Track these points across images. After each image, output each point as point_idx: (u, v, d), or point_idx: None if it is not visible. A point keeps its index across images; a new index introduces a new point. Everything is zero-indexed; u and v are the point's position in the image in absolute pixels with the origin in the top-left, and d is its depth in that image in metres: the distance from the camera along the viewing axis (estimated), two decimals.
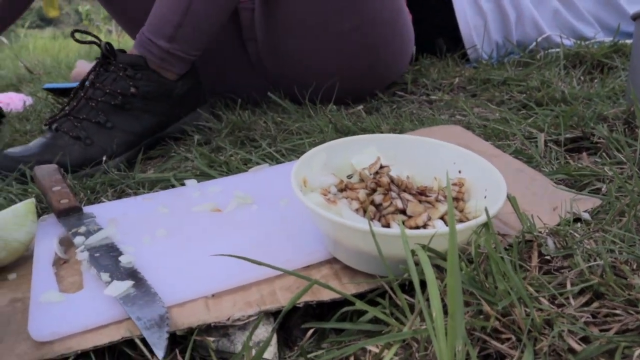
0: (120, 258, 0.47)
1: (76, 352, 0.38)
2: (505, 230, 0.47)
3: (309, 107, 0.91)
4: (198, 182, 0.66)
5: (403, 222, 0.43)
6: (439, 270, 0.38)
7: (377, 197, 0.45)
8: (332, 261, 0.46)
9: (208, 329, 0.40)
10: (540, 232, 0.44)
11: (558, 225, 0.46)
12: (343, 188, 0.48)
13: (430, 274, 0.32)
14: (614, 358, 0.31)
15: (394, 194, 0.46)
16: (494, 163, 0.49)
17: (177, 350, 0.39)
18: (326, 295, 0.41)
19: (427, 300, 0.32)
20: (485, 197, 0.46)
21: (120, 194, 0.72)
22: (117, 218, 0.56)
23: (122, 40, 2.86)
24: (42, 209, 0.69)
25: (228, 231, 0.52)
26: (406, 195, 0.46)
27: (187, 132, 0.90)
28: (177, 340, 0.40)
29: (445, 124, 0.80)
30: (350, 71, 0.95)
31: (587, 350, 0.32)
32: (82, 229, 0.53)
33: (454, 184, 0.49)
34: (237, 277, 0.44)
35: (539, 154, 0.66)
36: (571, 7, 1.30)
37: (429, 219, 0.44)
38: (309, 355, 0.37)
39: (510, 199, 0.45)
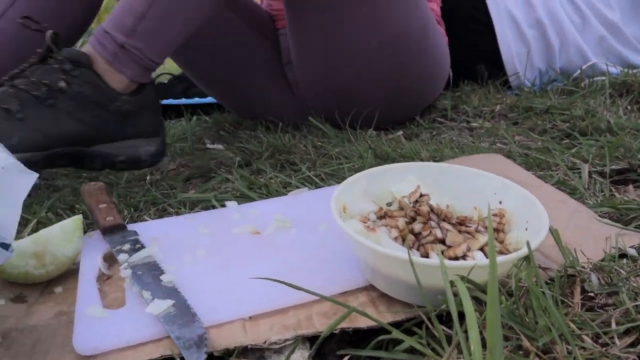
0: (161, 277, 0.48)
1: None
2: (546, 264, 0.46)
3: (349, 132, 0.92)
4: (238, 204, 0.67)
5: (442, 252, 0.43)
6: (478, 302, 0.38)
7: (417, 226, 0.45)
8: (370, 288, 0.46)
9: (245, 351, 0.41)
10: (583, 267, 0.43)
11: (602, 260, 0.45)
12: (382, 215, 0.48)
13: (469, 306, 0.32)
14: None
15: (433, 223, 0.45)
16: (535, 194, 0.49)
17: None
18: (363, 323, 0.41)
19: (465, 332, 0.32)
20: (526, 229, 0.46)
21: (162, 213, 0.74)
22: (159, 237, 0.58)
23: (167, 66, 2.92)
24: (88, 225, 0.71)
25: (267, 254, 0.52)
26: (446, 225, 0.46)
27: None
28: None
29: (486, 152, 0.79)
30: (382, 95, 0.95)
31: None
32: (126, 247, 0.54)
33: (495, 215, 0.49)
34: (274, 300, 0.44)
35: (582, 185, 0.64)
36: (617, 33, 1.27)
37: (469, 249, 0.43)
38: None
39: (553, 231, 0.45)
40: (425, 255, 0.44)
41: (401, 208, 0.49)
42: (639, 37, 1.29)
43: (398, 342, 0.40)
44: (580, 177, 0.67)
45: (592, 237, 0.51)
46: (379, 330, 0.41)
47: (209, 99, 1.39)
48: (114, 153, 0.77)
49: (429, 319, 0.39)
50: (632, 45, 1.28)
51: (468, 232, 0.45)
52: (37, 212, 0.73)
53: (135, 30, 0.73)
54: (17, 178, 0.44)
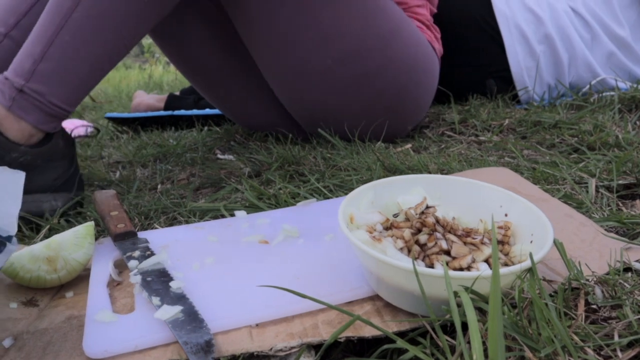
0: (170, 283, 0.49)
1: None
2: (551, 276, 0.47)
3: (358, 144, 0.93)
4: (247, 213, 0.68)
5: (447, 263, 0.44)
6: (482, 313, 0.38)
7: (422, 237, 0.46)
8: (375, 298, 0.47)
9: (251, 357, 0.41)
10: (587, 280, 0.43)
11: (607, 274, 0.45)
12: (389, 226, 0.49)
13: (472, 316, 0.33)
14: None
15: (439, 235, 0.46)
16: (542, 207, 0.49)
17: None
18: (367, 332, 0.42)
19: (469, 343, 0.32)
20: (531, 241, 0.46)
21: (172, 221, 0.75)
22: (169, 244, 0.59)
23: (180, 77, 2.97)
24: (99, 232, 0.72)
25: (274, 263, 0.53)
26: (451, 237, 0.46)
27: None
28: None
29: (494, 166, 0.80)
30: (359, 107, 0.94)
31: None
32: (136, 254, 0.55)
33: (500, 227, 0.49)
34: (281, 308, 0.45)
35: (589, 199, 0.65)
36: (627, 49, 1.28)
37: (473, 261, 0.44)
38: None
39: (557, 244, 0.45)
40: (431, 266, 0.44)
41: (407, 219, 0.49)
42: None
43: (402, 351, 0.40)
44: (587, 191, 0.67)
45: (598, 250, 0.51)
46: (384, 339, 0.41)
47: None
48: None
49: (433, 329, 0.39)
50: None
51: (473, 244, 0.46)
52: (49, 218, 0.74)
53: (34, 72, 0.68)
54: (5, 175, 0.45)
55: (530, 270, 0.39)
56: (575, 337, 0.37)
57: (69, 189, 0.77)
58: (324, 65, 0.88)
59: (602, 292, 0.42)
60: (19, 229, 0.72)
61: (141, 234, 0.62)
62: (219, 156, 1.06)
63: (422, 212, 0.49)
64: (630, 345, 0.37)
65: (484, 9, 1.28)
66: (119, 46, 0.72)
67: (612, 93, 1.15)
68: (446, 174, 0.76)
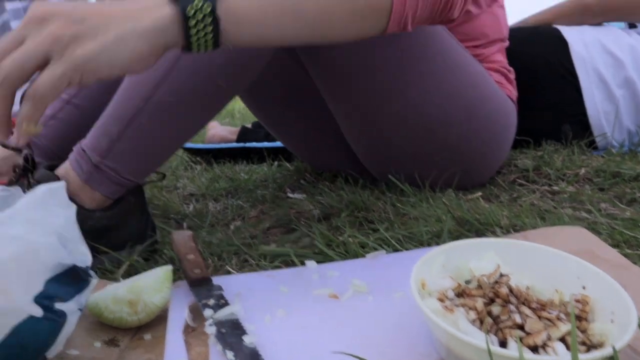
0: (244, 337, 0.51)
1: None
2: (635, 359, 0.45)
3: (427, 191, 0.93)
4: (317, 261, 0.69)
5: (521, 339, 0.43)
6: None
7: (495, 309, 0.45)
8: None
9: None
10: None
11: None
12: (460, 293, 0.49)
13: None
14: None
15: (512, 307, 0.45)
16: (621, 276, 0.48)
17: None
18: None
19: None
20: (612, 320, 0.45)
21: (243, 263, 0.77)
22: (242, 293, 0.61)
23: None
24: (175, 270, 0.75)
25: (343, 320, 0.54)
26: (525, 310, 0.45)
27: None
28: None
29: (569, 222, 0.78)
30: (435, 163, 0.94)
31: None
32: (211, 302, 0.58)
33: (577, 301, 0.48)
34: None
35: None
36: None
37: (549, 338, 0.43)
38: None
39: None
40: (504, 341, 0.44)
41: (480, 286, 0.49)
42: None
43: None
44: None
45: None
46: None
47: None
48: None
49: None
50: None
51: (549, 319, 0.45)
52: (130, 254, 0.78)
53: (111, 151, 0.72)
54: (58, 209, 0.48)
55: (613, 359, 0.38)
56: None
57: (142, 238, 0.82)
58: (407, 130, 0.89)
59: None
60: (102, 264, 0.77)
61: (215, 279, 0.64)
62: (289, 195, 1.09)
63: (496, 282, 0.48)
64: None
65: (560, 51, 1.26)
66: (195, 125, 0.78)
67: None
68: (518, 230, 0.75)
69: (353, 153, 1.04)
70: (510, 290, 0.47)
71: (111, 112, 0.74)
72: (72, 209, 0.48)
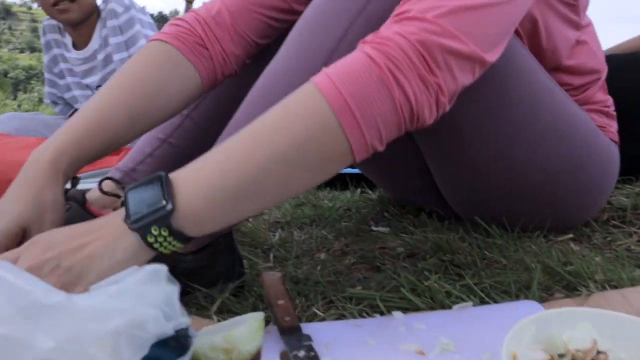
0: None
1: None
2: None
3: (515, 235, 0.91)
4: (403, 308, 0.70)
5: None
6: None
7: None
8: None
9: None
10: None
11: None
12: None
13: None
14: None
15: None
16: None
17: None
18: None
19: None
20: None
21: (329, 304, 0.79)
22: (329, 342, 0.63)
23: None
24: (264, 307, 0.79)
25: None
26: None
27: None
28: None
29: None
30: (530, 211, 0.92)
31: None
32: (302, 353, 0.60)
33: None
34: None
35: None
36: None
37: None
38: None
39: None
40: None
41: None
42: None
43: None
44: None
45: None
46: None
47: None
48: None
49: None
50: None
51: None
52: (221, 291, 0.82)
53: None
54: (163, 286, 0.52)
55: None
56: None
57: (231, 275, 0.86)
58: (504, 180, 0.89)
59: None
60: (196, 299, 0.81)
61: (304, 327, 0.66)
62: (373, 227, 1.10)
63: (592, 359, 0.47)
64: None
65: None
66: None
67: None
68: (615, 286, 0.72)
69: (437, 189, 1.03)
70: None
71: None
72: (175, 286, 0.53)
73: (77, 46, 1.82)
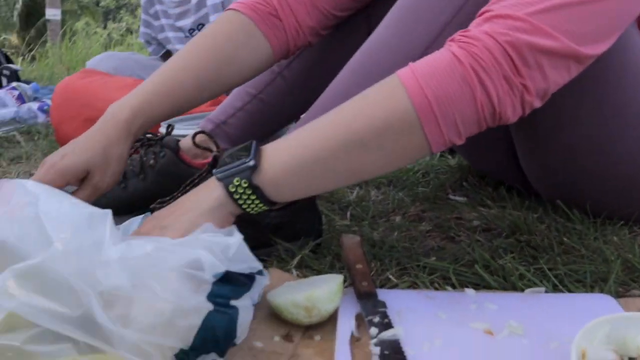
0: None
1: None
2: None
3: (596, 222, 0.90)
4: (474, 284, 0.73)
5: None
6: None
7: None
8: None
9: None
10: None
11: None
12: None
13: None
14: None
15: None
16: None
17: None
18: None
19: None
20: None
21: (402, 270, 0.83)
22: (402, 312, 0.67)
23: None
24: (340, 268, 0.84)
25: None
26: None
27: None
28: None
29: None
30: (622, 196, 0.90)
31: None
32: (376, 319, 0.64)
33: None
34: None
35: None
36: None
37: None
38: None
39: None
40: None
41: None
42: None
43: None
44: None
45: None
46: None
47: None
48: None
49: None
50: None
51: None
52: (301, 247, 0.87)
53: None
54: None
55: None
56: None
57: (311, 232, 0.90)
58: (598, 170, 0.88)
59: None
60: (278, 253, 0.87)
61: (379, 293, 0.71)
62: (450, 196, 1.12)
63: None
64: None
65: None
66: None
67: None
68: None
69: (520, 166, 1.03)
70: None
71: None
72: (237, 237, 0.60)
73: None
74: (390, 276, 0.80)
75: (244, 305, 0.57)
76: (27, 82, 2.36)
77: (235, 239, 0.60)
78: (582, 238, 0.85)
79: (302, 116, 0.93)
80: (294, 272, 0.82)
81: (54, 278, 0.46)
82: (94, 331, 0.46)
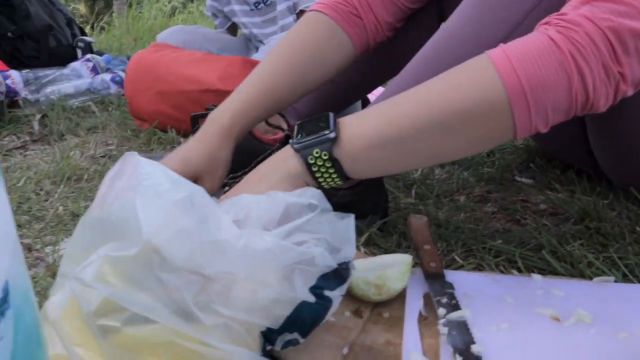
0: (472, 346, 0.59)
1: None
2: None
3: None
4: (541, 269, 0.74)
5: None
6: None
7: None
8: None
9: None
10: None
11: None
12: None
13: None
14: None
15: None
16: None
17: None
18: None
19: None
20: None
21: (467, 251, 0.84)
22: (469, 293, 0.69)
23: None
24: (406, 247, 0.86)
25: (563, 349, 0.59)
26: None
27: None
28: None
29: None
30: None
31: None
32: (444, 300, 0.67)
33: None
34: None
35: None
36: None
37: None
38: None
39: None
40: None
41: None
42: None
43: None
44: None
45: None
46: None
47: None
48: None
49: None
50: None
51: None
52: (369, 225, 0.90)
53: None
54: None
55: None
56: None
57: (378, 210, 0.92)
58: None
59: None
60: None
61: (446, 274, 0.73)
62: (516, 177, 1.11)
63: None
64: None
65: None
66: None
67: None
68: None
69: (590, 149, 1.01)
70: None
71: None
72: (346, 219, 0.60)
73: None
74: (456, 257, 0.82)
75: (337, 296, 0.59)
76: (100, 54, 2.45)
77: (344, 220, 0.62)
78: None
79: (371, 102, 0.94)
80: (362, 249, 0.85)
81: (147, 271, 0.48)
82: (186, 319, 0.49)
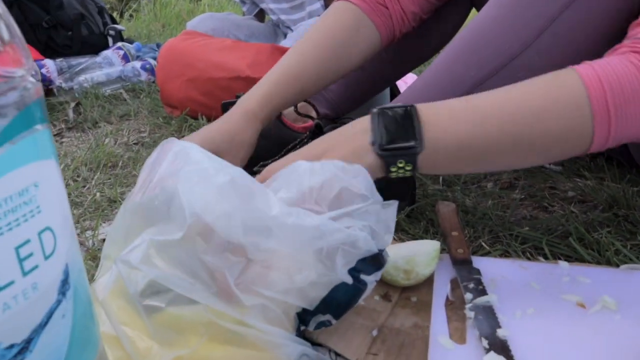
0: (497, 330, 0.61)
1: None
2: None
3: None
4: (568, 257, 0.75)
5: None
6: None
7: None
8: None
9: None
10: None
11: None
12: None
13: None
14: None
15: None
16: None
17: None
18: None
19: None
20: None
21: (494, 238, 0.86)
22: (496, 280, 0.70)
23: None
24: (433, 234, 0.88)
25: (588, 335, 0.60)
26: None
27: None
28: None
29: None
30: None
31: None
32: (471, 285, 0.68)
33: None
34: None
35: None
36: None
37: None
38: None
39: None
40: None
41: None
42: None
43: None
44: None
45: None
46: None
47: None
48: None
49: None
50: None
51: None
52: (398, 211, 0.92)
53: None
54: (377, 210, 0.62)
55: None
56: None
57: (406, 196, 0.94)
58: None
59: None
60: None
61: (474, 260, 0.74)
62: (546, 165, 1.11)
63: None
64: None
65: None
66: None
67: None
68: None
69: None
70: None
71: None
72: (389, 207, 0.62)
73: None
74: (483, 243, 0.84)
75: (372, 281, 0.61)
76: (130, 41, 2.50)
77: (387, 209, 0.63)
78: None
79: (404, 90, 0.95)
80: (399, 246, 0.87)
81: (190, 254, 0.51)
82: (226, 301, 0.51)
